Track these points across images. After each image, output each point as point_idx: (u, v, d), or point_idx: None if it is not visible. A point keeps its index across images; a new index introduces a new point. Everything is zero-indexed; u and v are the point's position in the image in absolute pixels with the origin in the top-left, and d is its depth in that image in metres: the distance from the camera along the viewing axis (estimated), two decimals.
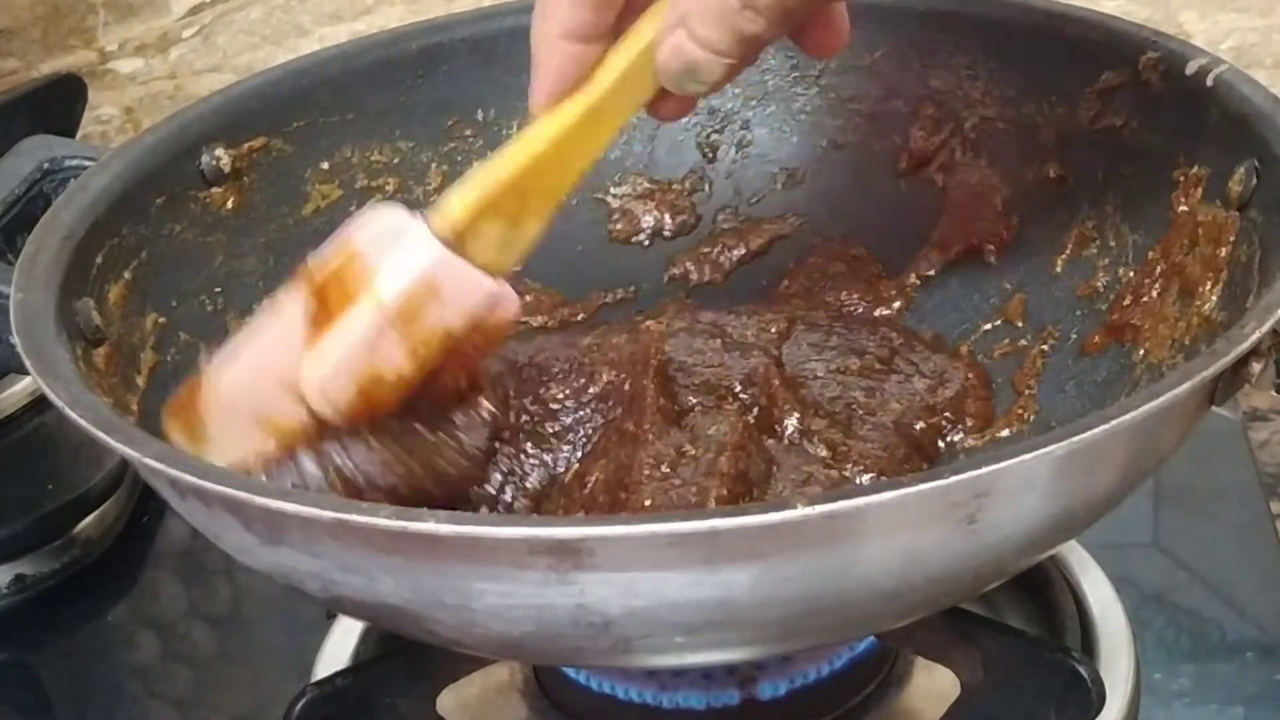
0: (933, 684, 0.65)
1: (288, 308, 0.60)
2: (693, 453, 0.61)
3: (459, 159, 0.77)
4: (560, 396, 0.66)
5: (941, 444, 0.68)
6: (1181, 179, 0.65)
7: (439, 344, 0.59)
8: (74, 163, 0.69)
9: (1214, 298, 0.61)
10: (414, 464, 0.60)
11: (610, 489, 0.62)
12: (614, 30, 0.59)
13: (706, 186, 0.79)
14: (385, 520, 0.46)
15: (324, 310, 0.59)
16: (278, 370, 0.59)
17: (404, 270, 0.59)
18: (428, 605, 0.49)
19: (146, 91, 1.08)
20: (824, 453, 0.65)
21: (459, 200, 0.60)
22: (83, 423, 0.51)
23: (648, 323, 0.73)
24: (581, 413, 0.66)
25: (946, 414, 0.69)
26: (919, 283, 0.75)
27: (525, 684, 0.68)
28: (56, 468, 0.84)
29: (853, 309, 0.76)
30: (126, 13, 1.06)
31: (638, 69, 0.59)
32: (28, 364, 0.55)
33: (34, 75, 1.04)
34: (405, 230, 0.60)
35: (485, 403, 0.63)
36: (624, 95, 0.60)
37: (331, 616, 0.69)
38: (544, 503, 0.64)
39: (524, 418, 0.66)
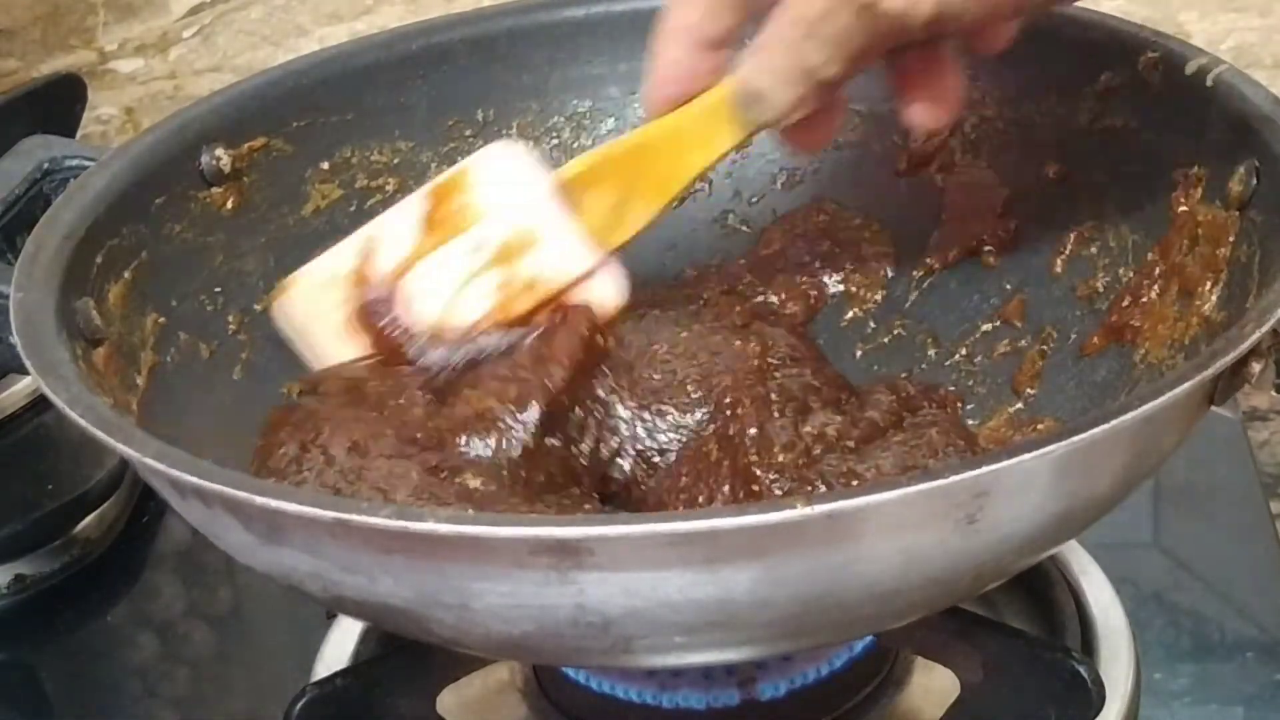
0: (933, 684, 0.66)
1: (409, 207, 0.63)
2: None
3: (459, 159, 0.76)
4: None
5: None
6: (1181, 179, 0.65)
7: (533, 301, 0.61)
8: (74, 163, 0.69)
9: (1214, 298, 0.61)
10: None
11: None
12: (737, 38, 0.59)
13: (707, 186, 0.79)
14: (385, 520, 0.46)
15: (435, 224, 0.62)
16: (380, 265, 0.63)
17: (512, 209, 0.61)
18: (428, 605, 0.49)
19: (146, 91, 1.08)
20: None
21: (578, 160, 0.63)
22: (83, 422, 0.51)
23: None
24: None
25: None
26: (919, 283, 0.75)
27: (525, 684, 0.68)
28: (56, 468, 0.84)
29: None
30: (126, 13, 1.06)
31: None
32: (27, 364, 0.55)
33: (34, 75, 1.04)
34: (522, 171, 0.62)
35: None
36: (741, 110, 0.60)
37: (331, 616, 0.69)
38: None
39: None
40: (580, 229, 0.63)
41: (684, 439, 0.66)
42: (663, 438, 0.66)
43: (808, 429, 0.64)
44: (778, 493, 0.61)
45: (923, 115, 0.61)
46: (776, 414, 0.64)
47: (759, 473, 0.61)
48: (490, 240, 0.63)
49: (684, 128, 0.61)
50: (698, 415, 0.66)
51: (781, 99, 0.58)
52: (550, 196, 0.63)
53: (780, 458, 0.62)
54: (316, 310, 0.67)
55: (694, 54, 0.60)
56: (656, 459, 0.66)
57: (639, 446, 0.66)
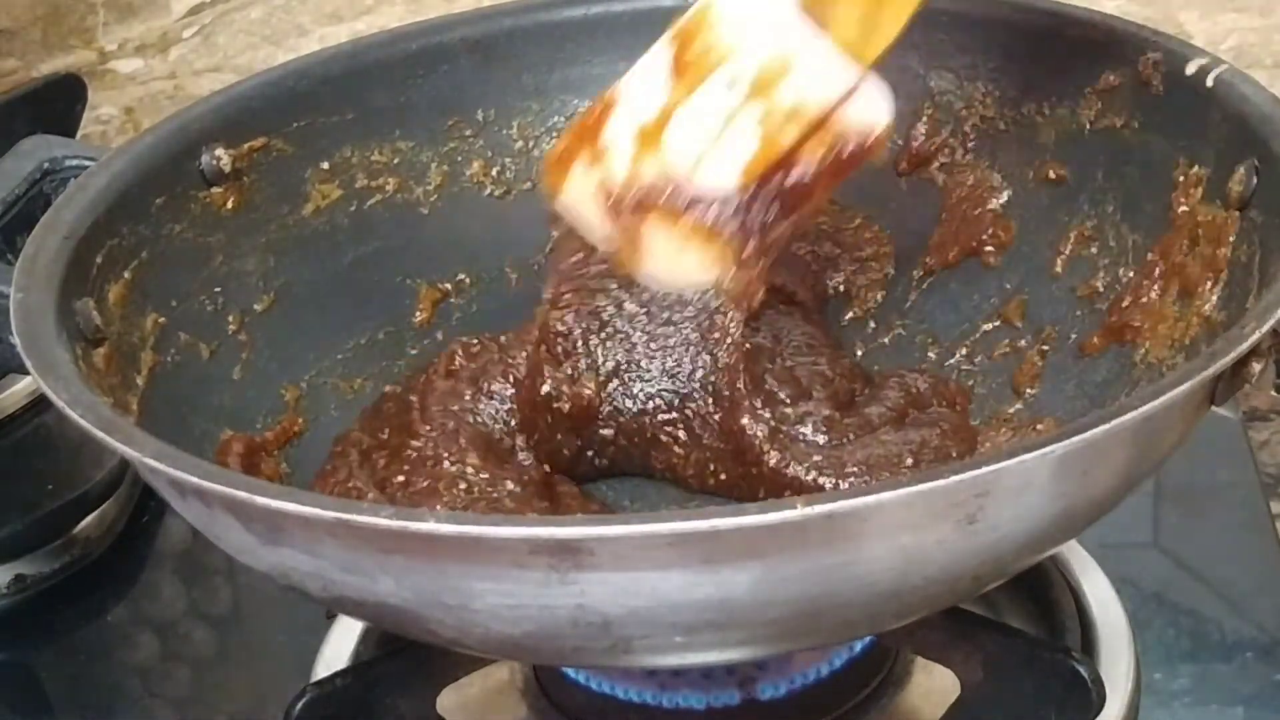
0: (933, 684, 0.66)
1: (653, 59, 0.62)
2: None
3: (459, 159, 0.77)
4: None
5: None
6: (1181, 179, 0.65)
7: (799, 130, 0.59)
8: (74, 163, 0.69)
9: (1214, 298, 0.61)
10: None
11: None
12: None
13: None
14: (385, 520, 0.46)
15: (684, 70, 0.60)
16: (637, 111, 0.61)
17: (759, 38, 0.59)
18: (428, 605, 0.49)
19: (146, 91, 1.08)
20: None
21: None
22: (83, 422, 0.51)
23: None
24: None
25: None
26: (919, 283, 0.75)
27: (525, 684, 0.68)
28: (56, 468, 0.84)
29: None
30: (126, 13, 1.06)
31: None
32: (28, 364, 0.55)
33: (34, 75, 1.04)
34: None
35: None
36: None
37: (331, 616, 0.69)
38: None
39: None
40: (834, 45, 0.60)
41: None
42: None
43: (789, 410, 0.64)
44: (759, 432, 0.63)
45: None
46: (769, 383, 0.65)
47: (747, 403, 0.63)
48: (744, 74, 0.60)
49: None
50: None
51: None
52: (797, 17, 0.60)
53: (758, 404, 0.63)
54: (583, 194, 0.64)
55: None
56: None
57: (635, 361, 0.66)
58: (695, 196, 0.61)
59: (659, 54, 0.63)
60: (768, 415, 0.65)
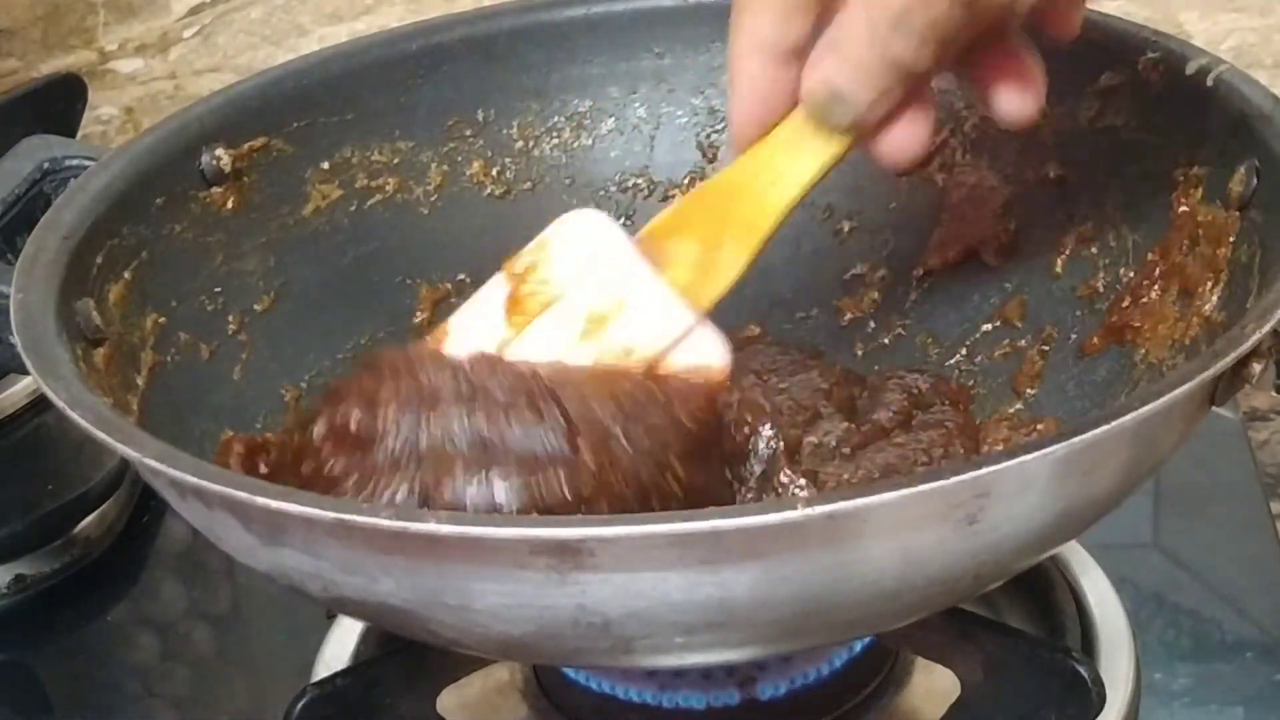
0: (933, 684, 0.66)
1: (488, 294, 0.60)
2: None
3: (459, 159, 0.77)
4: None
5: None
6: (1182, 179, 0.65)
7: (633, 379, 0.57)
8: (74, 163, 0.69)
9: (1214, 298, 0.61)
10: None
11: None
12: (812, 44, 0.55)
13: None
14: (386, 520, 0.46)
15: (517, 306, 0.59)
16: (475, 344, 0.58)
17: (591, 277, 0.58)
18: (428, 606, 0.49)
19: (146, 91, 1.08)
20: None
21: (658, 216, 0.59)
22: (83, 422, 0.51)
23: None
24: None
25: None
26: (919, 283, 0.75)
27: (525, 684, 0.68)
28: (56, 468, 0.84)
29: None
30: (126, 13, 1.06)
31: None
32: (28, 364, 0.55)
33: (34, 75, 1.04)
34: (599, 235, 0.59)
35: None
36: (820, 129, 0.56)
37: (332, 616, 0.69)
38: None
39: None
40: (671, 288, 0.58)
41: None
42: None
43: (810, 439, 0.64)
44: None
45: (1018, 104, 0.57)
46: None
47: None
48: (575, 314, 0.58)
49: (764, 157, 0.57)
50: None
51: (864, 95, 0.53)
52: (632, 258, 0.59)
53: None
54: None
55: (772, 68, 0.55)
56: None
57: None
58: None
59: (492, 291, 0.61)
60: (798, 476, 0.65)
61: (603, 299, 0.58)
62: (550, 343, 0.58)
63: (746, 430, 0.63)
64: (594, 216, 0.61)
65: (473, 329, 0.60)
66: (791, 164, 0.57)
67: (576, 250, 0.59)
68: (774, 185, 0.58)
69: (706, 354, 0.59)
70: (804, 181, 0.58)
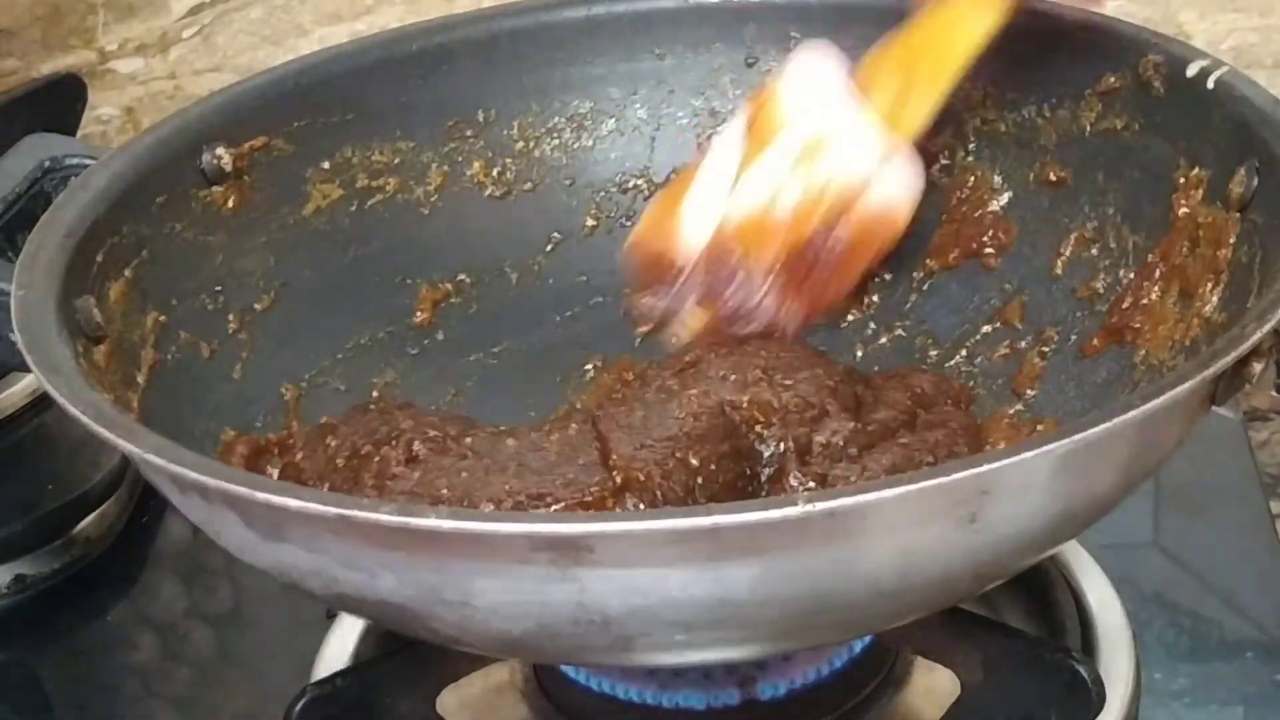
0: (933, 684, 0.65)
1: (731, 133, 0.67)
2: None
3: (459, 159, 0.77)
4: None
5: None
6: (1182, 181, 0.65)
7: (833, 199, 0.63)
8: (74, 162, 0.69)
9: (1214, 299, 0.62)
10: None
11: None
12: None
13: None
14: (386, 516, 0.46)
15: (754, 130, 0.66)
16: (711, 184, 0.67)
17: (808, 110, 0.65)
18: (429, 602, 0.49)
19: (146, 91, 1.08)
20: None
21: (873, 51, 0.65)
22: (84, 418, 0.51)
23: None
24: None
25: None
26: (919, 284, 0.75)
27: (525, 684, 0.68)
28: (56, 468, 0.84)
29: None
30: (126, 13, 1.06)
31: None
32: (29, 361, 0.55)
33: (34, 75, 1.04)
34: (823, 72, 0.65)
35: None
36: None
37: (332, 616, 0.69)
38: None
39: None
40: (874, 120, 0.65)
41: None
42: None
43: (819, 438, 0.64)
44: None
45: None
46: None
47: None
48: (794, 142, 0.66)
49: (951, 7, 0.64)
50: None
51: None
52: (844, 90, 0.65)
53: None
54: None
55: None
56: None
57: None
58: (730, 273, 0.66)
59: (739, 119, 0.68)
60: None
61: (816, 128, 0.65)
62: (772, 170, 0.65)
63: (759, 429, 0.64)
64: (820, 52, 0.67)
65: (722, 154, 0.67)
66: (972, 15, 0.64)
67: (801, 83, 0.66)
68: (958, 32, 0.65)
69: (898, 186, 0.66)
70: (985, 28, 0.64)
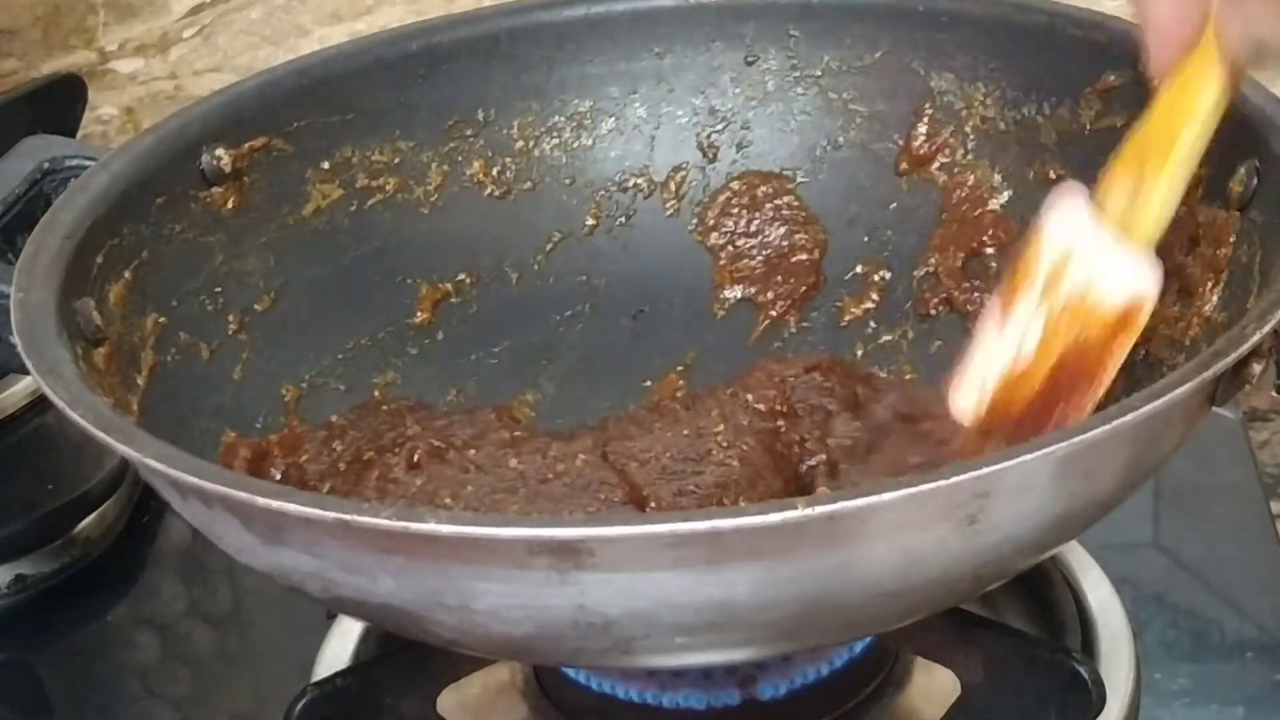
0: (933, 684, 0.65)
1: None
2: None
3: (459, 159, 0.77)
4: None
5: None
6: None
7: (1070, 321, 0.61)
8: (74, 163, 0.69)
9: (1214, 298, 0.61)
10: None
11: None
12: None
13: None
14: (386, 520, 0.46)
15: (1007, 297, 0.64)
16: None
17: (1053, 237, 0.62)
18: (428, 606, 0.49)
19: (146, 91, 1.08)
20: None
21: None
22: (83, 422, 0.51)
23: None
24: None
25: None
26: (919, 284, 0.75)
27: (525, 684, 0.68)
28: (56, 468, 0.84)
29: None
30: (126, 13, 1.06)
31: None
32: (28, 363, 0.55)
33: (34, 75, 1.04)
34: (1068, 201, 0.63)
35: None
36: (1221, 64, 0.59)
37: (332, 617, 0.69)
38: None
39: None
40: (1111, 228, 0.62)
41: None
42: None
43: (831, 440, 0.64)
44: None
45: None
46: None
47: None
48: (1039, 278, 0.63)
49: (1172, 94, 0.61)
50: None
51: None
52: (1081, 213, 0.63)
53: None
54: None
55: (1180, 8, 0.59)
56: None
57: None
58: None
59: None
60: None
61: (1056, 254, 0.63)
62: (1021, 317, 0.63)
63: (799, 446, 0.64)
64: (1075, 200, 0.63)
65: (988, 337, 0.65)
66: (1195, 96, 0.60)
67: (1055, 230, 0.63)
68: (1183, 116, 0.61)
69: (1136, 284, 0.62)
70: (1209, 108, 0.61)
